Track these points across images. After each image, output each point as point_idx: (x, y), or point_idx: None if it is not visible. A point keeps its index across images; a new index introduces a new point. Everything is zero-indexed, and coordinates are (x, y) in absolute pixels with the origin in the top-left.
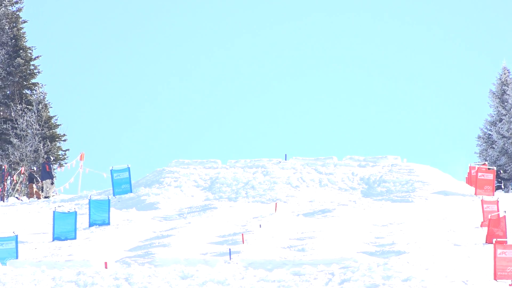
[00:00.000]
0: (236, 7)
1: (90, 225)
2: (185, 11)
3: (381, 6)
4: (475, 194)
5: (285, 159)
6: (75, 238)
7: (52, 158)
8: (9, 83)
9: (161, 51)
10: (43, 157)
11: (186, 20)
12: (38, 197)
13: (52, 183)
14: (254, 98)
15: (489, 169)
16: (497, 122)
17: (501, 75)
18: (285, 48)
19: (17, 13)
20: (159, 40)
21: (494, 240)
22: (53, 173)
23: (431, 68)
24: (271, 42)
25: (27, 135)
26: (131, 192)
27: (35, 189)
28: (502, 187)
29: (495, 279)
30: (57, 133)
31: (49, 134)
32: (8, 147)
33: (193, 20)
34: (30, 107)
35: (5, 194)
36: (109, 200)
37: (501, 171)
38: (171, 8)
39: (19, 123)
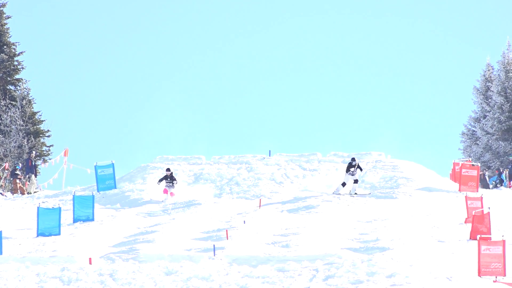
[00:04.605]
0: (224, 5)
1: (74, 221)
2: (172, 8)
3: (365, 3)
4: (459, 190)
5: (269, 155)
6: (59, 234)
7: (33, 153)
8: None
9: (146, 47)
10: (27, 152)
11: (174, 18)
12: (22, 193)
13: (29, 177)
14: (238, 94)
15: (473, 165)
16: (481, 119)
17: (485, 71)
18: (269, 46)
19: (1, 8)
20: (144, 36)
21: (478, 236)
22: (34, 168)
23: (415, 65)
24: (254, 40)
25: (11, 131)
26: (115, 188)
27: (19, 185)
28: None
29: (479, 275)
30: (41, 128)
31: (33, 129)
32: None
33: (181, 19)
34: (14, 102)
35: None
36: (93, 196)
37: (486, 170)
38: (155, 4)
39: (3, 118)
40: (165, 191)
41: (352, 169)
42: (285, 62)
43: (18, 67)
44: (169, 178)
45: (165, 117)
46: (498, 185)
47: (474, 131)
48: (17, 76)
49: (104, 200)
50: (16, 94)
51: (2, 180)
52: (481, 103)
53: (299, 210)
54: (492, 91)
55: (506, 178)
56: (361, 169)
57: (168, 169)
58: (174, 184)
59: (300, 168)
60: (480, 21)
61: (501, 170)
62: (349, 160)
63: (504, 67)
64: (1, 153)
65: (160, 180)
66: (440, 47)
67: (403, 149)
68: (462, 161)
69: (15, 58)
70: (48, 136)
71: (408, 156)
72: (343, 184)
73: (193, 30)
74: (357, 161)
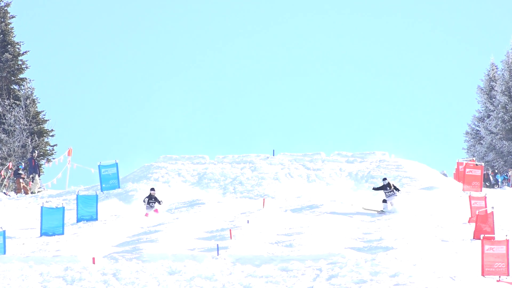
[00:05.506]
0: (225, 6)
1: (78, 220)
2: (175, 8)
3: (369, 4)
4: (463, 190)
5: (273, 155)
6: (62, 233)
7: (36, 152)
8: None
9: (150, 47)
10: (30, 152)
11: (176, 18)
12: (26, 192)
13: (33, 177)
14: (242, 94)
15: (476, 165)
16: (485, 118)
17: (489, 71)
18: (273, 46)
19: (5, 8)
20: (148, 37)
21: (481, 236)
22: (37, 168)
23: (419, 64)
24: (258, 41)
25: (15, 130)
26: (119, 187)
27: (22, 184)
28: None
29: (482, 275)
30: (45, 128)
31: (37, 129)
32: None
33: (184, 19)
34: (18, 102)
35: None
36: (97, 195)
37: (490, 171)
38: (159, 5)
39: (6, 118)
40: (146, 215)
41: (386, 191)
42: (290, 62)
43: (22, 66)
44: (153, 199)
45: (168, 116)
46: (494, 186)
47: (478, 130)
48: (21, 76)
49: (108, 199)
50: (20, 93)
51: (5, 180)
52: (485, 103)
53: (302, 210)
54: (496, 90)
55: (501, 179)
56: (397, 189)
57: (152, 189)
58: (155, 206)
59: (304, 168)
60: (484, 21)
61: (496, 171)
62: (353, 159)
63: (508, 67)
64: (5, 152)
65: (144, 200)
66: (444, 46)
67: (407, 148)
68: (466, 160)
69: (19, 58)
70: (52, 135)
71: (411, 156)
72: (384, 201)
73: (195, 29)
74: (388, 180)
